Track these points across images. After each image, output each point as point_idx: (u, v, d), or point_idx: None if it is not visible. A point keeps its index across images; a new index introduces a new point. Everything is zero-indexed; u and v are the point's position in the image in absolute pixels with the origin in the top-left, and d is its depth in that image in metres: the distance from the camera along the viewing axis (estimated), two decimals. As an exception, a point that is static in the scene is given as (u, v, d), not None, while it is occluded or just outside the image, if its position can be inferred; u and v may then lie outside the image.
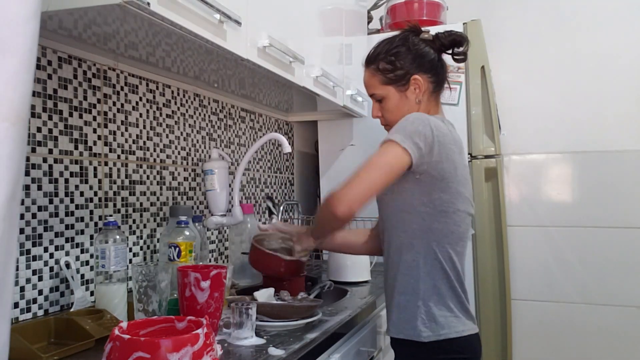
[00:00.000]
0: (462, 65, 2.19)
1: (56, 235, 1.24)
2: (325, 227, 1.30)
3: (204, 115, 1.84)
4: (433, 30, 1.36)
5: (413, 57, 1.29)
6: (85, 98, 1.33)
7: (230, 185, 1.69)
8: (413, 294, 1.21)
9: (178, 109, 1.69)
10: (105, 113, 1.40)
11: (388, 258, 1.29)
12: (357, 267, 1.79)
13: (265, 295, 1.28)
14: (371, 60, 1.33)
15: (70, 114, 1.28)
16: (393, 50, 1.30)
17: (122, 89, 1.45)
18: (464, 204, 1.24)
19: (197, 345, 0.74)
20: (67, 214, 1.27)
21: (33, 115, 1.18)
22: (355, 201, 1.14)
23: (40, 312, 1.19)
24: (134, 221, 1.49)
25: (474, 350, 1.22)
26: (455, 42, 1.31)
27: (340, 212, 1.14)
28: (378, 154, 1.17)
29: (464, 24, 2.22)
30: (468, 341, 1.20)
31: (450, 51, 1.33)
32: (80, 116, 1.31)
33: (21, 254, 1.15)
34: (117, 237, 1.21)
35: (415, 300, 1.21)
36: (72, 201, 1.28)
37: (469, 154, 2.20)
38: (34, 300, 1.18)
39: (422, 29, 1.33)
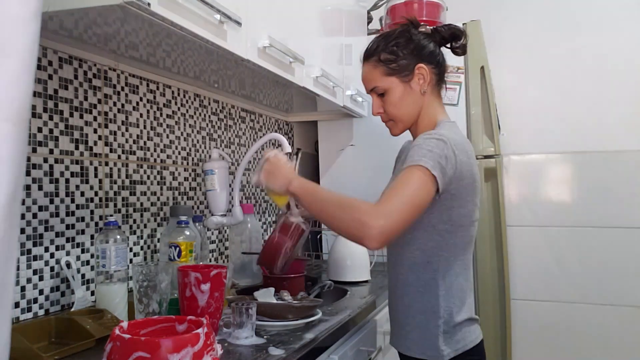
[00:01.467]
0: (461, 65, 2.20)
1: (57, 235, 1.24)
2: (336, 226, 1.13)
3: (205, 115, 1.84)
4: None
5: (415, 47, 1.24)
6: (85, 98, 1.33)
7: (230, 186, 1.69)
8: (433, 313, 1.18)
9: (178, 109, 1.70)
10: (106, 113, 1.40)
11: (399, 275, 1.24)
12: (357, 267, 1.80)
13: (265, 295, 1.27)
14: (371, 53, 1.27)
15: (71, 114, 1.29)
16: (393, 41, 1.25)
17: (122, 89, 1.46)
18: (477, 213, 1.22)
19: (197, 346, 0.74)
20: (67, 214, 1.27)
21: (34, 115, 1.18)
22: (392, 236, 1.06)
23: (41, 312, 1.20)
24: (134, 221, 1.49)
25: (483, 353, 1.23)
26: (454, 35, 1.28)
27: (374, 246, 1.05)
28: (413, 182, 1.07)
29: (463, 24, 2.21)
30: (479, 347, 1.21)
31: (449, 45, 1.30)
32: (81, 116, 1.32)
33: (22, 253, 1.15)
34: (118, 237, 1.22)
35: (435, 320, 1.18)
36: (72, 201, 1.28)
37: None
38: (35, 300, 1.18)
39: (421, 23, 1.30)
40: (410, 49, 1.24)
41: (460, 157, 1.13)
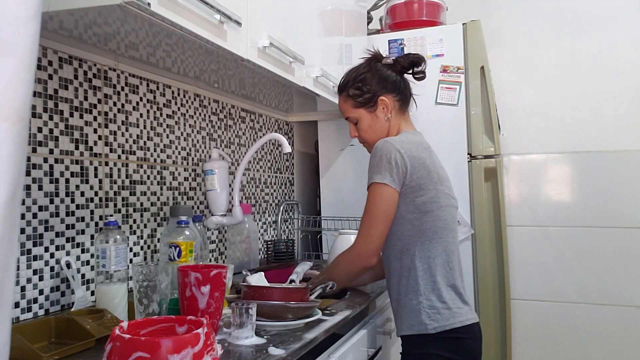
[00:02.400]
0: (461, 65, 2.20)
1: (57, 235, 1.24)
2: (357, 280, 1.51)
3: (204, 115, 1.84)
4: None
5: (377, 81, 1.45)
6: (85, 98, 1.33)
7: (230, 185, 1.70)
8: (414, 292, 1.34)
9: (178, 109, 1.70)
10: (106, 113, 1.40)
11: (390, 265, 1.41)
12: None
13: (258, 279, 1.37)
14: (342, 89, 1.50)
15: (71, 114, 1.29)
16: (359, 77, 1.46)
17: (122, 89, 1.46)
18: (446, 199, 1.38)
19: (197, 347, 0.74)
20: (67, 214, 1.27)
21: (34, 115, 1.18)
22: (378, 249, 1.37)
23: (41, 312, 1.20)
24: (134, 221, 1.49)
25: (474, 334, 1.35)
26: (413, 62, 1.48)
27: (372, 262, 1.38)
28: (372, 202, 1.35)
29: (463, 24, 2.22)
30: (471, 327, 1.33)
31: (410, 71, 1.49)
32: (81, 116, 1.32)
33: (22, 253, 1.15)
34: (118, 237, 1.21)
35: (417, 297, 1.33)
36: (72, 201, 1.28)
37: (468, 154, 2.20)
38: (35, 300, 1.18)
39: (384, 55, 1.50)
40: (374, 83, 1.45)
41: (407, 153, 1.34)
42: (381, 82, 1.45)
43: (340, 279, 1.43)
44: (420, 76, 1.50)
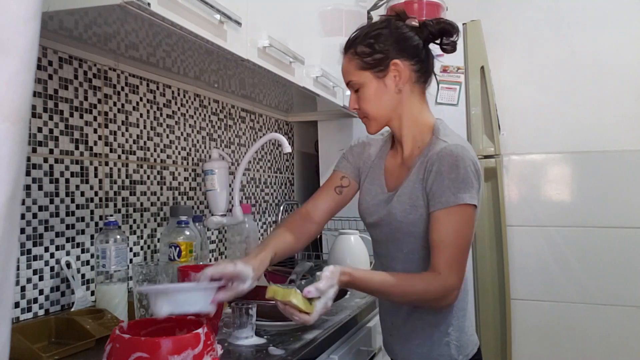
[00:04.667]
0: (461, 65, 2.20)
1: (57, 235, 1.24)
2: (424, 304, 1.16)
3: (204, 115, 1.84)
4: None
5: (394, 40, 1.15)
6: (85, 98, 1.33)
7: (230, 185, 1.69)
8: (446, 324, 1.16)
9: (178, 109, 1.70)
10: (106, 113, 1.40)
11: None
12: (357, 266, 1.79)
13: None
14: (349, 45, 1.19)
15: (71, 114, 1.29)
16: (373, 32, 1.16)
17: (122, 89, 1.46)
18: None
19: (197, 349, 0.74)
20: (67, 214, 1.27)
21: (34, 115, 1.18)
22: (459, 289, 1.10)
23: (41, 312, 1.20)
24: (134, 221, 1.49)
25: (480, 353, 1.24)
26: (444, 30, 1.17)
27: (453, 302, 1.11)
28: (463, 226, 1.07)
29: (463, 24, 2.22)
30: (480, 350, 1.22)
31: (438, 41, 1.19)
32: (81, 116, 1.32)
33: (22, 253, 1.15)
34: (118, 237, 1.22)
35: (446, 329, 1.16)
36: (72, 201, 1.28)
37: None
38: (35, 300, 1.18)
39: (410, 16, 1.20)
40: (389, 42, 1.14)
41: (477, 165, 1.10)
42: (399, 42, 1.14)
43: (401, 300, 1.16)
44: (450, 48, 1.18)
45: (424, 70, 1.18)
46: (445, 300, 1.08)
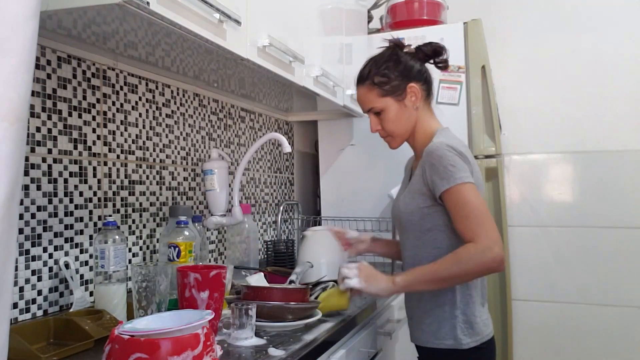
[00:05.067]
0: (462, 64, 2.19)
1: (55, 235, 1.23)
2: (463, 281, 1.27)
3: (204, 115, 1.83)
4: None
5: (404, 68, 1.36)
6: (84, 98, 1.33)
7: (230, 185, 1.69)
8: (451, 305, 1.27)
9: (178, 108, 1.69)
10: (105, 113, 1.39)
11: None
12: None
13: (256, 278, 1.35)
14: (364, 77, 1.39)
15: (70, 114, 1.28)
16: (384, 64, 1.37)
17: (121, 88, 1.45)
18: None
19: (197, 350, 0.73)
20: (66, 214, 1.26)
21: (32, 115, 1.18)
22: (500, 243, 1.18)
23: (40, 313, 1.19)
24: (133, 221, 1.49)
25: (494, 346, 1.34)
26: (436, 51, 1.39)
27: (501, 257, 1.17)
28: (473, 203, 1.20)
29: (464, 23, 2.21)
30: (493, 340, 1.32)
31: (432, 60, 1.41)
32: (80, 116, 1.31)
33: (20, 254, 1.15)
34: (117, 237, 1.21)
35: (453, 311, 1.27)
36: (71, 201, 1.28)
37: (469, 153, 2.20)
38: (33, 301, 1.18)
39: (405, 45, 1.41)
40: (400, 70, 1.36)
41: (470, 159, 1.26)
42: (406, 70, 1.36)
43: (434, 287, 1.24)
44: (443, 65, 1.41)
45: (429, 88, 1.41)
46: (488, 255, 1.15)
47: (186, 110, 1.73)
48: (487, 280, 1.39)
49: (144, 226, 1.53)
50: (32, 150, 1.18)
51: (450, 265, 1.19)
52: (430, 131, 1.36)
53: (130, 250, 1.48)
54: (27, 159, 1.16)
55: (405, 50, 1.40)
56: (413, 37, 2.26)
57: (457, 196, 1.20)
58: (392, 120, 1.36)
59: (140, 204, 1.52)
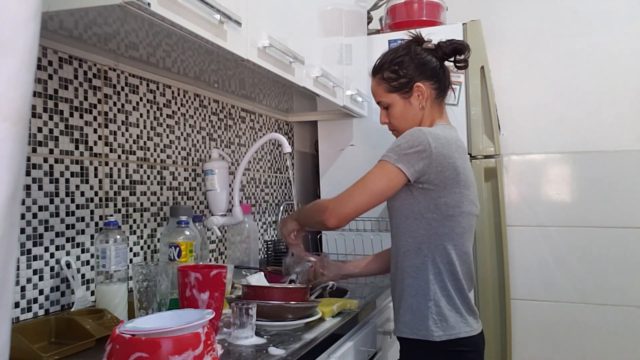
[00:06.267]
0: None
1: (57, 235, 1.24)
2: (312, 225, 1.40)
3: (204, 115, 1.84)
4: (436, 39, 1.42)
5: (415, 66, 1.35)
6: (85, 98, 1.33)
7: (230, 185, 1.69)
8: (424, 295, 1.26)
9: (178, 109, 1.70)
10: (106, 113, 1.40)
11: (397, 262, 1.33)
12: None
13: (256, 278, 1.35)
14: (376, 70, 1.41)
15: (71, 114, 1.29)
16: (397, 59, 1.36)
17: (122, 89, 1.46)
18: (469, 205, 1.30)
19: (198, 350, 0.74)
20: (67, 214, 1.27)
21: (34, 115, 1.18)
22: (345, 218, 1.26)
23: (41, 312, 1.20)
24: (134, 221, 1.49)
25: (478, 346, 1.29)
26: (456, 50, 1.38)
27: (331, 225, 1.26)
28: (372, 174, 1.26)
29: (463, 24, 2.22)
30: (474, 339, 1.27)
31: (452, 59, 1.39)
32: (81, 116, 1.32)
33: (22, 253, 1.15)
34: (118, 237, 1.22)
35: (426, 302, 1.26)
36: (72, 201, 1.28)
37: (468, 154, 2.19)
38: (35, 300, 1.18)
39: (425, 38, 1.39)
40: (412, 67, 1.35)
41: (438, 149, 1.23)
42: (420, 67, 1.35)
43: (304, 219, 1.39)
44: (463, 65, 1.40)
45: (442, 87, 1.38)
46: (321, 215, 1.27)
47: (187, 111, 1.74)
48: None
49: (145, 226, 1.54)
50: (34, 150, 1.18)
51: (311, 205, 1.36)
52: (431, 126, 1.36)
53: (131, 249, 1.48)
54: (28, 159, 1.17)
55: (424, 45, 1.38)
56: (413, 38, 2.26)
57: (374, 168, 1.26)
58: (397, 116, 1.38)
59: (141, 204, 1.52)
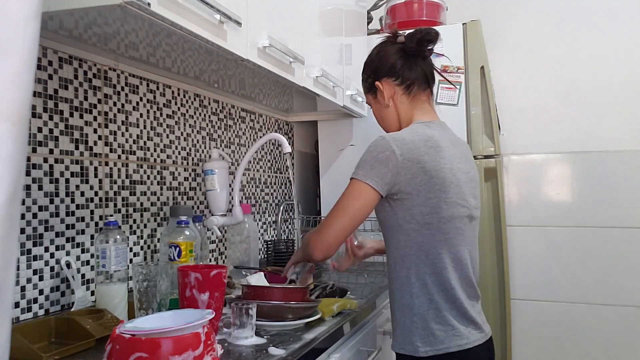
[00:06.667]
0: (461, 65, 2.19)
1: (57, 235, 1.24)
2: (307, 260, 1.37)
3: (204, 115, 1.84)
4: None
5: (375, 66, 1.37)
6: (85, 98, 1.33)
7: (230, 185, 1.69)
8: (409, 310, 1.21)
9: (178, 109, 1.70)
10: (106, 113, 1.40)
11: (388, 274, 1.30)
12: (357, 267, 1.79)
13: (256, 278, 1.35)
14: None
15: (71, 114, 1.29)
16: (366, 62, 1.41)
17: (122, 89, 1.46)
18: (451, 208, 1.20)
19: (198, 350, 0.74)
20: (67, 214, 1.27)
21: (34, 115, 1.18)
22: (330, 248, 1.24)
23: (41, 312, 1.20)
24: (134, 221, 1.49)
25: (479, 357, 1.21)
26: (420, 41, 1.31)
27: (318, 258, 1.26)
28: (345, 196, 1.23)
29: (463, 24, 2.22)
30: (473, 351, 1.19)
31: (428, 47, 1.34)
32: (81, 116, 1.32)
33: (22, 253, 1.15)
34: (118, 237, 1.21)
35: (411, 316, 1.21)
36: (72, 201, 1.28)
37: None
38: (35, 300, 1.18)
39: (399, 34, 1.36)
40: (372, 69, 1.38)
41: (404, 155, 1.18)
42: (380, 66, 1.36)
43: (298, 259, 1.38)
44: (427, 53, 1.35)
45: (408, 82, 1.34)
46: (307, 249, 1.27)
47: (187, 111, 1.74)
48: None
49: (145, 226, 1.54)
50: (34, 150, 1.18)
51: (303, 239, 1.34)
52: (409, 124, 1.33)
53: (131, 249, 1.48)
54: (28, 159, 1.17)
55: (398, 40, 1.35)
56: (413, 38, 2.26)
57: (346, 189, 1.24)
58: (376, 117, 1.43)
59: (141, 204, 1.52)
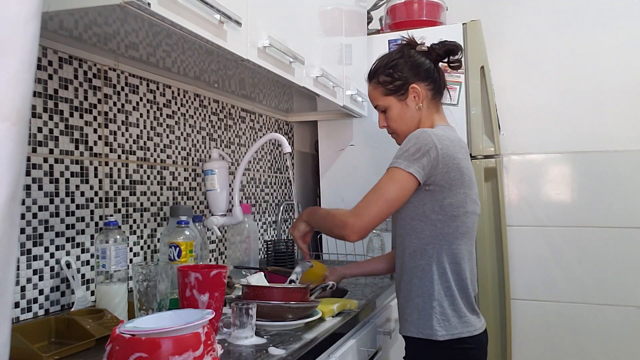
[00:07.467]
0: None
1: (57, 235, 1.24)
2: (328, 234, 1.38)
3: (204, 115, 1.84)
4: (429, 40, 1.44)
5: (410, 67, 1.38)
6: (85, 98, 1.33)
7: (230, 185, 1.69)
8: (429, 296, 1.29)
9: (178, 109, 1.70)
10: (106, 113, 1.40)
11: (403, 263, 1.35)
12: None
13: (256, 278, 1.35)
14: (372, 75, 1.43)
15: (71, 114, 1.29)
16: (391, 63, 1.39)
17: (122, 89, 1.46)
18: (472, 205, 1.32)
19: (198, 351, 0.74)
20: (67, 214, 1.27)
21: (34, 115, 1.18)
22: (365, 231, 1.27)
23: (41, 312, 1.20)
24: (134, 221, 1.49)
25: (481, 343, 1.32)
26: (449, 51, 1.39)
27: (353, 240, 1.29)
28: (384, 182, 1.27)
29: (463, 24, 2.22)
30: (477, 337, 1.30)
31: (446, 60, 1.41)
32: (81, 116, 1.32)
33: (22, 253, 1.15)
34: (118, 237, 1.21)
35: (430, 302, 1.29)
36: (72, 201, 1.28)
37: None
38: (35, 300, 1.18)
39: (418, 41, 1.42)
40: (406, 69, 1.38)
41: (444, 150, 1.26)
42: (414, 69, 1.38)
43: (318, 226, 1.40)
44: (456, 65, 1.41)
45: (438, 88, 1.40)
46: (341, 230, 1.28)
47: (187, 111, 1.74)
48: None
49: (145, 226, 1.54)
50: (34, 150, 1.18)
51: (327, 215, 1.36)
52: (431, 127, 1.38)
53: (131, 249, 1.48)
54: (28, 159, 1.17)
55: (417, 48, 1.41)
56: (413, 38, 2.26)
57: (384, 176, 1.28)
58: (394, 119, 1.40)
59: (141, 204, 1.52)
